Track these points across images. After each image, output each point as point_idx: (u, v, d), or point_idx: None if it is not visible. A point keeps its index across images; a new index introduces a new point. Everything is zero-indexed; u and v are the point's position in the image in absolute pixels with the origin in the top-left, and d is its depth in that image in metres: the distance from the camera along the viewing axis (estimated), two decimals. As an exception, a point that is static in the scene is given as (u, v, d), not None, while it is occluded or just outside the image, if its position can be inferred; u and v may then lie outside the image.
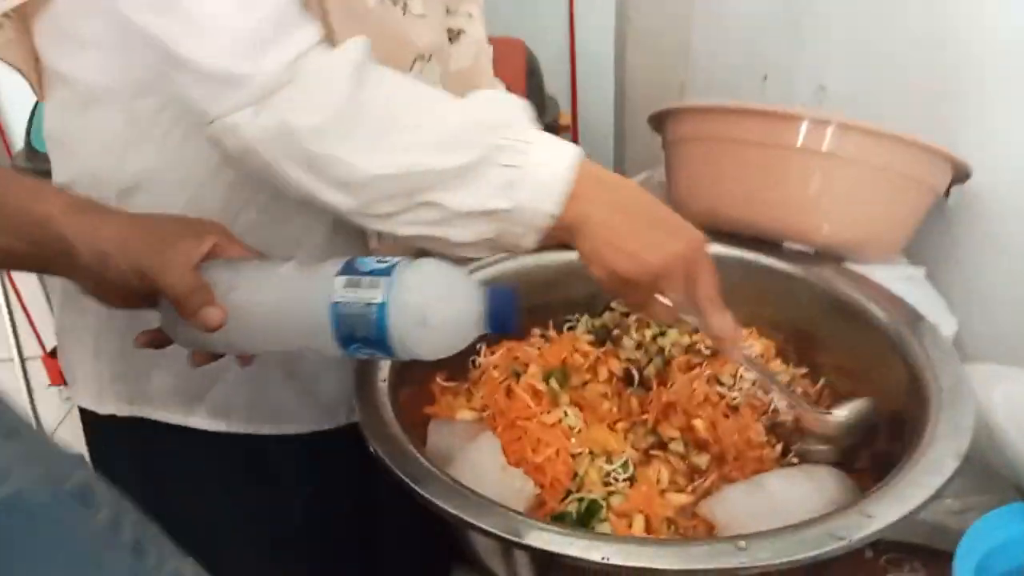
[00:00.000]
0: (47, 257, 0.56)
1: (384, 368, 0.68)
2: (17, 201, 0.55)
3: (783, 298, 0.80)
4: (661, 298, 0.60)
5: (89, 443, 0.83)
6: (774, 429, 0.73)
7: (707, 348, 0.78)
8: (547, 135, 0.59)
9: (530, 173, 0.57)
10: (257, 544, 0.83)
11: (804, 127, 0.79)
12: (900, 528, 0.51)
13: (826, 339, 0.77)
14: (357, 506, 0.90)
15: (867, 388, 0.71)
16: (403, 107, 0.59)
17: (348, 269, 0.53)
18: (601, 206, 0.58)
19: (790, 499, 0.63)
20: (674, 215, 0.61)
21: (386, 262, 0.53)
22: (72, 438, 0.85)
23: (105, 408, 0.77)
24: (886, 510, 0.52)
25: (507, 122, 0.59)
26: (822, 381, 0.77)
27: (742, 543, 0.49)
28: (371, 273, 0.52)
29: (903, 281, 0.83)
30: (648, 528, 0.63)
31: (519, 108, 0.61)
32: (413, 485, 0.55)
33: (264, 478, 0.82)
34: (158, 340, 0.60)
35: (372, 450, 0.60)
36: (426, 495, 0.54)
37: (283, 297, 0.55)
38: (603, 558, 0.49)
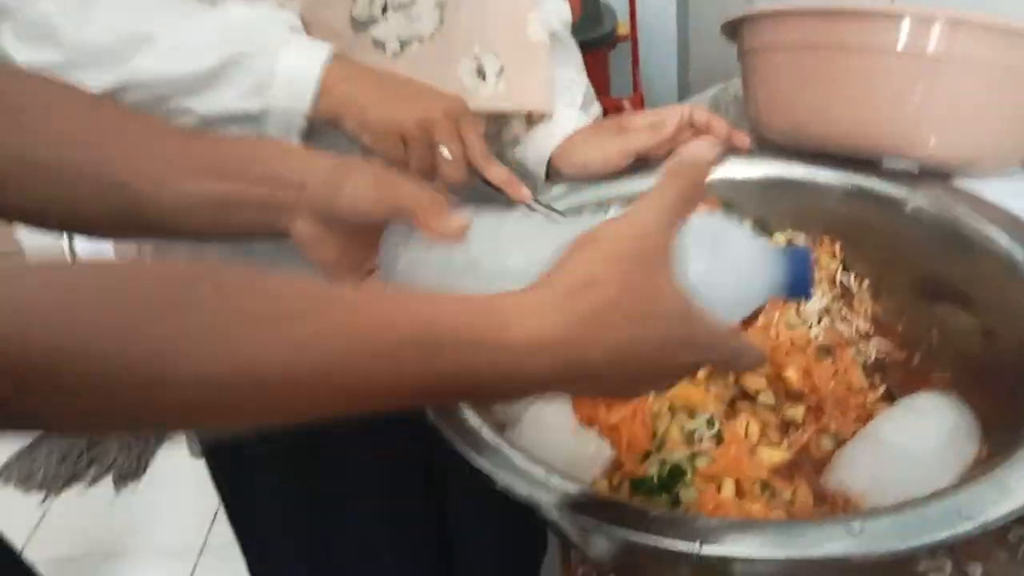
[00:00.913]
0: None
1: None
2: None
3: (886, 225, 0.71)
4: (443, 153, 0.63)
5: None
6: (871, 367, 0.67)
7: None
8: (302, 39, 0.61)
9: (280, 75, 0.59)
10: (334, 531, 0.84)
11: (904, 26, 0.68)
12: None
13: (939, 271, 0.68)
14: (431, 492, 0.90)
15: (989, 324, 0.63)
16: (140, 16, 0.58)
17: None
18: (357, 90, 0.61)
19: (914, 437, 0.57)
20: (428, 85, 0.65)
21: None
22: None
23: None
24: (1025, 482, 0.44)
25: (256, 27, 0.60)
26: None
27: (856, 525, 0.43)
28: None
29: (1021, 197, 0.73)
30: (739, 492, 0.57)
31: (277, 17, 0.62)
32: (475, 458, 0.50)
33: (330, 470, 0.81)
34: None
35: (429, 419, 0.55)
36: (490, 470, 0.49)
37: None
38: (696, 548, 0.43)
